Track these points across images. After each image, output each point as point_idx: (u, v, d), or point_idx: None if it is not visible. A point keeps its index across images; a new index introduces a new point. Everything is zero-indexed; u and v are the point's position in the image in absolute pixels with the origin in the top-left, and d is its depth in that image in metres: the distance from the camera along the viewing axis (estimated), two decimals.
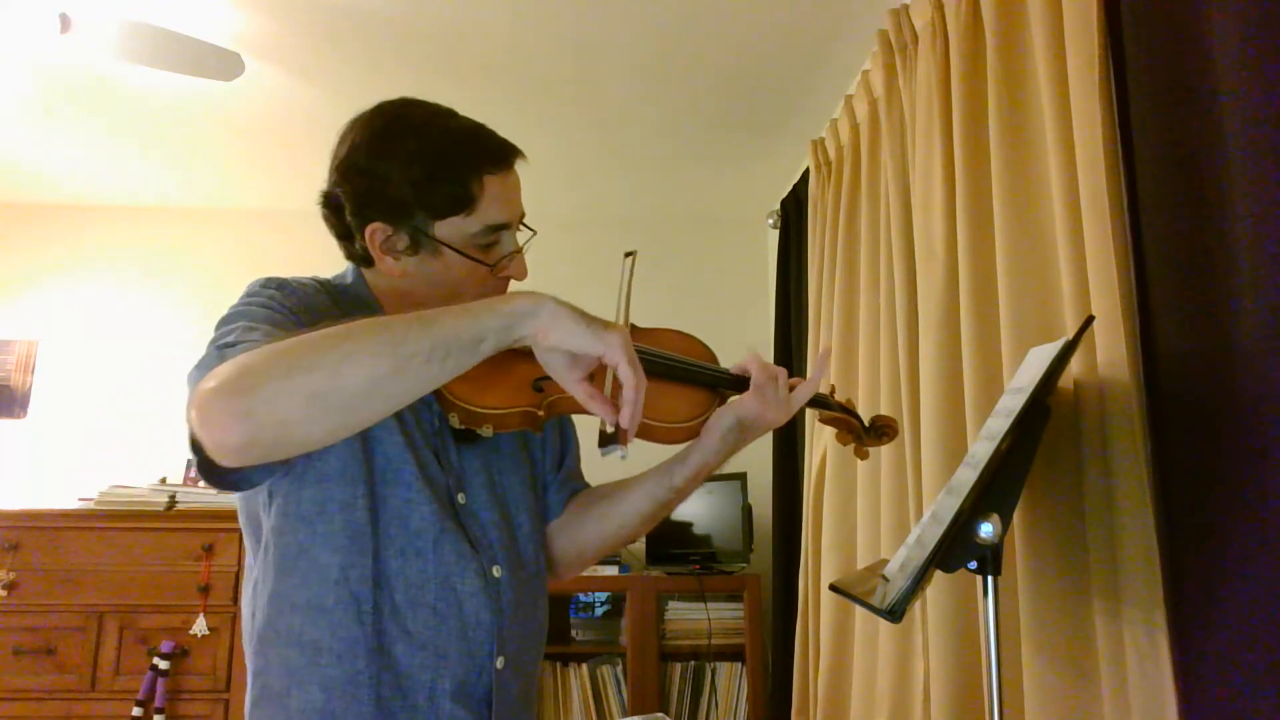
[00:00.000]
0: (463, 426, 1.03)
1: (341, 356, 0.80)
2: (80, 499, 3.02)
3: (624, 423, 0.89)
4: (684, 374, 1.13)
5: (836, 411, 1.26)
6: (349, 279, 1.13)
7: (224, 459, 0.80)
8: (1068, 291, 1.38)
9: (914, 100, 2.00)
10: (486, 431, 1.03)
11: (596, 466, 1.30)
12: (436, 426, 1.09)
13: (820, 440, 2.55)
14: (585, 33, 2.41)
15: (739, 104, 2.82)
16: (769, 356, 3.27)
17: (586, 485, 1.29)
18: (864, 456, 1.32)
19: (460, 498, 1.09)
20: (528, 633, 1.12)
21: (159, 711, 2.70)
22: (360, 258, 1.10)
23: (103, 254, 3.65)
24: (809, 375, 1.16)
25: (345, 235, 1.09)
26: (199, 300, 3.60)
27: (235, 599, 2.84)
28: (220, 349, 0.87)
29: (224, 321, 0.96)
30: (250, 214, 3.70)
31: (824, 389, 1.24)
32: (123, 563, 2.84)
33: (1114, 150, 1.31)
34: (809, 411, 2.39)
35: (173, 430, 3.49)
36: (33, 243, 3.63)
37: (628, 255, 1.14)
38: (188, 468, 3.41)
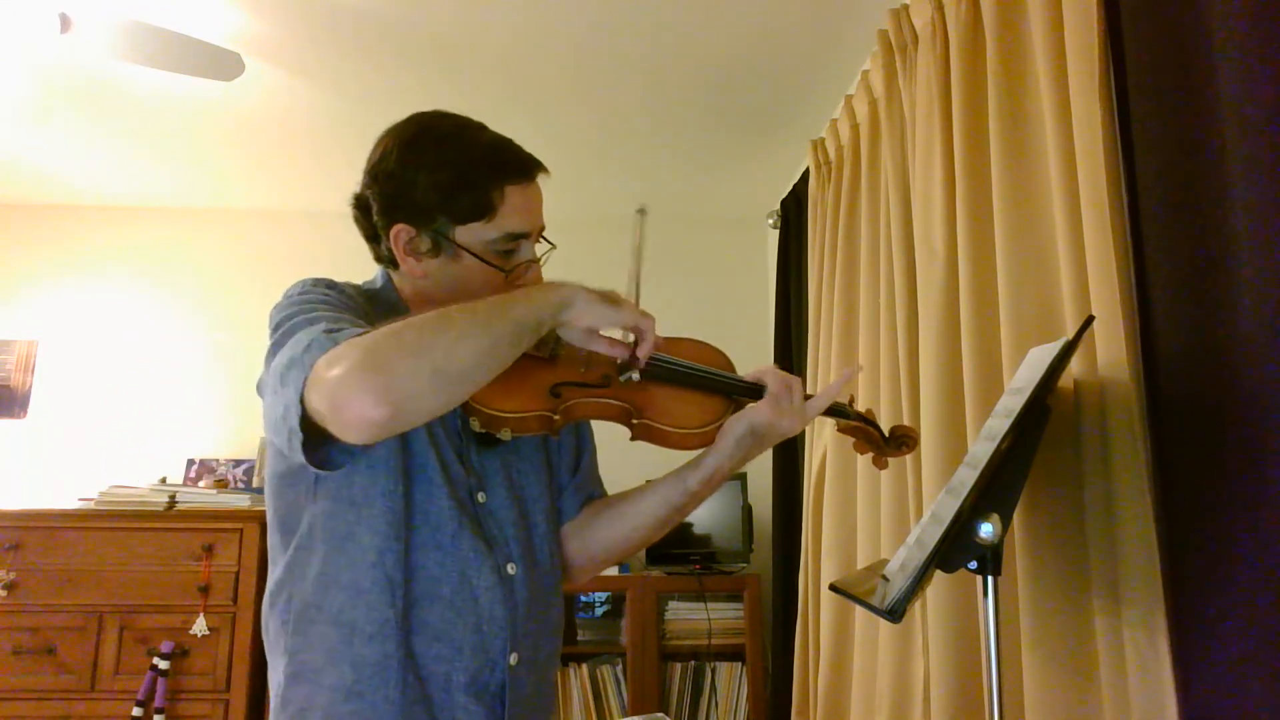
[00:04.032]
0: (483, 430, 1.07)
1: (453, 337, 0.89)
2: (80, 499, 3.02)
3: (642, 354, 1.05)
4: (699, 381, 1.15)
5: (855, 421, 1.26)
6: (378, 284, 1.19)
7: (358, 435, 0.87)
8: (1068, 291, 1.38)
9: (914, 100, 2.00)
10: (505, 435, 1.07)
11: (615, 472, 1.35)
12: (459, 428, 1.14)
13: (820, 440, 2.55)
14: (585, 33, 2.41)
15: (739, 104, 2.82)
16: (769, 356, 3.28)
17: (603, 493, 1.31)
18: (883, 466, 1.32)
19: (480, 496, 1.13)
20: (542, 630, 1.15)
21: (159, 711, 2.70)
22: (387, 259, 1.16)
23: (103, 254, 3.65)
24: (828, 387, 1.17)
25: (372, 237, 1.16)
26: (199, 300, 3.60)
27: (235, 599, 2.84)
28: (329, 333, 0.91)
29: (290, 317, 0.99)
30: (250, 214, 3.70)
31: (843, 398, 1.25)
32: (123, 563, 2.84)
33: (1114, 150, 1.31)
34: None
35: (173, 430, 3.51)
36: (33, 243, 3.63)
37: (639, 212, 1.19)
38: (188, 468, 3.42)
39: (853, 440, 1.29)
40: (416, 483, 1.07)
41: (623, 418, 1.12)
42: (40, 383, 3.50)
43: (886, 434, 1.28)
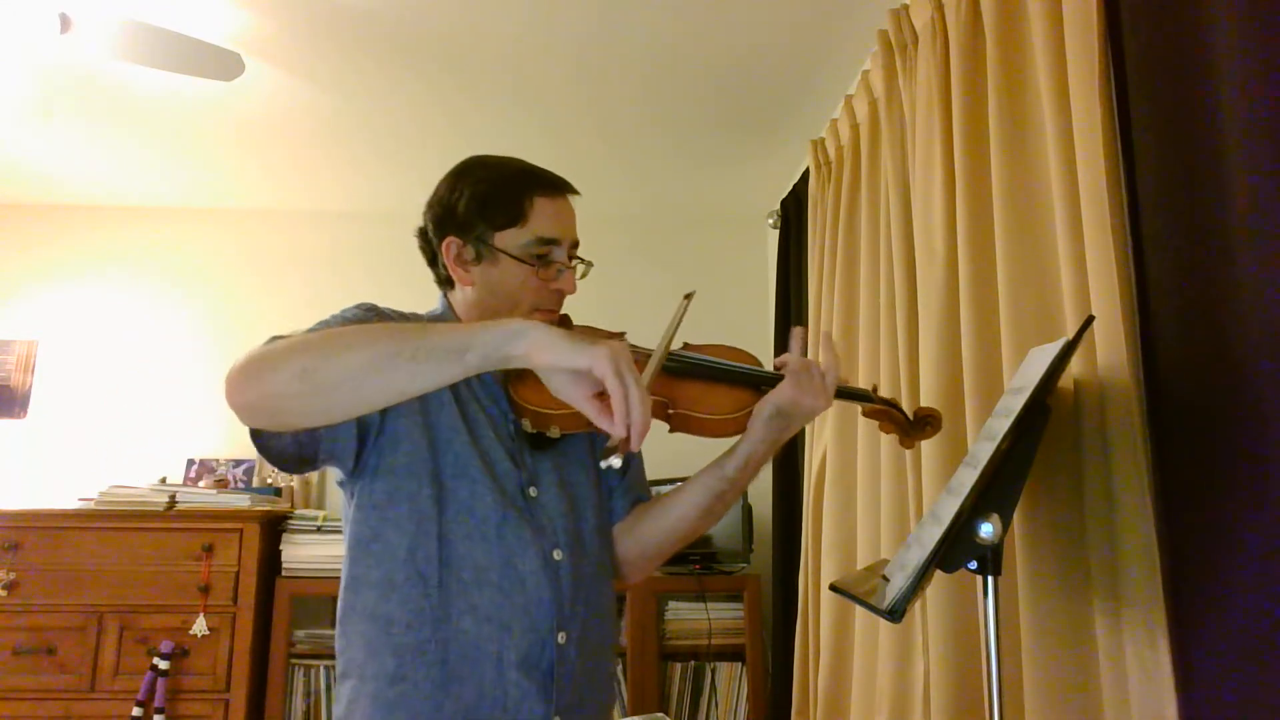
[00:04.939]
0: (534, 430, 1.20)
1: (336, 345, 0.94)
2: (80, 499, 3.02)
3: (618, 431, 0.93)
4: (727, 375, 1.26)
5: (879, 405, 1.33)
6: (439, 309, 1.32)
7: (240, 418, 0.97)
8: (1068, 291, 1.38)
9: (914, 100, 2.00)
10: (554, 432, 1.19)
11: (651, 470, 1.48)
12: (512, 432, 1.25)
13: (820, 440, 2.55)
14: (586, 32, 2.41)
15: (739, 104, 2.82)
16: (769, 355, 3.27)
17: (650, 497, 1.42)
18: (909, 447, 1.40)
19: (532, 490, 1.23)
20: (591, 614, 1.23)
21: (159, 711, 2.70)
22: (444, 279, 1.30)
23: (103, 254, 3.65)
24: (822, 362, 1.24)
25: (432, 260, 1.31)
26: (199, 300, 3.60)
27: (235, 599, 2.84)
28: (272, 338, 1.01)
29: (315, 326, 1.12)
30: (250, 214, 3.69)
31: (867, 386, 1.35)
32: (123, 563, 2.84)
33: (1114, 150, 1.31)
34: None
35: (173, 430, 3.51)
36: (33, 243, 3.63)
37: (686, 296, 1.29)
38: (188, 468, 3.42)
39: (878, 423, 1.36)
40: (459, 482, 1.17)
41: (659, 411, 1.21)
42: (40, 383, 3.50)
43: (911, 416, 1.35)
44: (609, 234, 3.68)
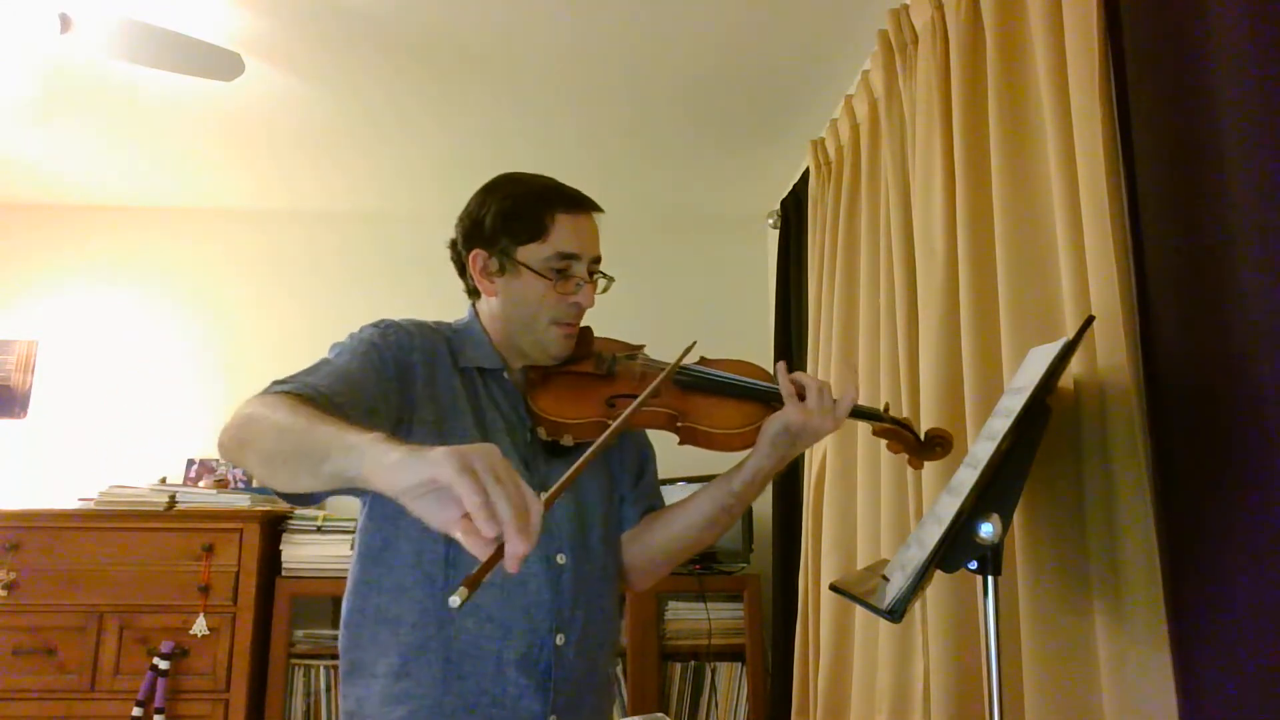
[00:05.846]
0: (549, 438, 1.25)
1: (260, 428, 0.98)
2: (80, 499, 3.02)
3: (477, 549, 0.74)
4: (737, 390, 1.29)
5: (889, 424, 1.33)
6: (467, 318, 1.38)
7: None
8: (1068, 291, 1.38)
9: (914, 100, 2.00)
10: (567, 440, 1.24)
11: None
12: (528, 439, 1.29)
13: (820, 441, 2.55)
14: (587, 34, 2.41)
15: (739, 104, 2.82)
16: (769, 356, 3.28)
17: (663, 505, 1.44)
18: (918, 467, 1.41)
19: (542, 496, 1.21)
20: (592, 618, 1.26)
21: (159, 711, 2.70)
22: (472, 290, 1.37)
23: (103, 254, 3.64)
24: (839, 387, 1.28)
25: (462, 270, 1.37)
26: (198, 300, 3.60)
27: (235, 599, 2.84)
28: (274, 383, 1.07)
29: (333, 346, 1.21)
30: (249, 214, 3.69)
31: (878, 405, 1.37)
32: (123, 563, 2.84)
33: (1114, 150, 1.31)
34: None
35: (173, 430, 3.51)
36: (33, 243, 3.62)
37: (687, 349, 1.30)
38: (188, 468, 3.42)
39: (886, 442, 1.36)
40: None
41: (669, 424, 1.25)
42: (40, 383, 3.50)
43: (921, 437, 1.35)
44: (608, 234, 3.69)
